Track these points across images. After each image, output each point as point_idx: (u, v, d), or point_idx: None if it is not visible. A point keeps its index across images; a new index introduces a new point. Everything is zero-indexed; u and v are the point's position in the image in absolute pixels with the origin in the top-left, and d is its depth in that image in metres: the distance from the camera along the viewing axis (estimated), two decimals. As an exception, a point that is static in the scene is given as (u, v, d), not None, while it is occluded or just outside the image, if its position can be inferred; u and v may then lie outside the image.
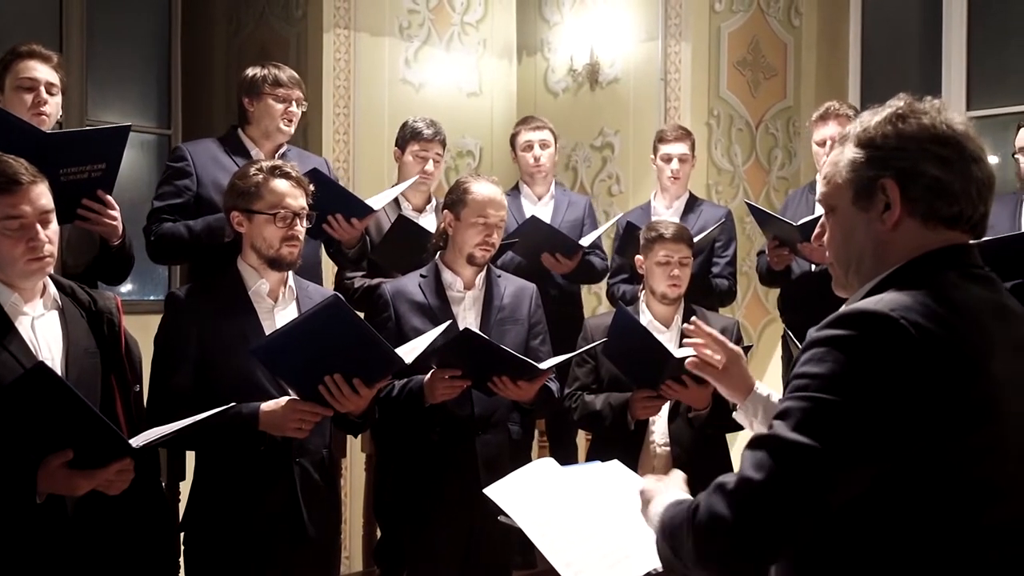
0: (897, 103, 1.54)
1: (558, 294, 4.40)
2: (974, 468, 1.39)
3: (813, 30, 5.44)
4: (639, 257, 3.68)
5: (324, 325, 2.53)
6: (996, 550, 1.40)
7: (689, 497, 1.59)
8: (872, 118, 1.55)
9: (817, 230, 1.64)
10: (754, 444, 1.41)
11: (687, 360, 2.19)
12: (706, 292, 4.18)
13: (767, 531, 1.37)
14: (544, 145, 4.51)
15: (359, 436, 3.97)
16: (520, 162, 4.58)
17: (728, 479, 1.41)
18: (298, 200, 2.82)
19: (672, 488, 1.68)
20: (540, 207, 4.49)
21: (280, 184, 2.80)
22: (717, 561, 1.42)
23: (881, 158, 1.51)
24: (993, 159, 5.12)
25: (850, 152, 1.55)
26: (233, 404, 2.50)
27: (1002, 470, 1.41)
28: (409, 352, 2.72)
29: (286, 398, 2.68)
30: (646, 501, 1.67)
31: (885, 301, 1.41)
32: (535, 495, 1.86)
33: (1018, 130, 3.91)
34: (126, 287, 5.30)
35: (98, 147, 2.92)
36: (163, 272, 5.28)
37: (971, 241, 1.54)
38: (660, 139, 4.42)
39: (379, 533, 3.82)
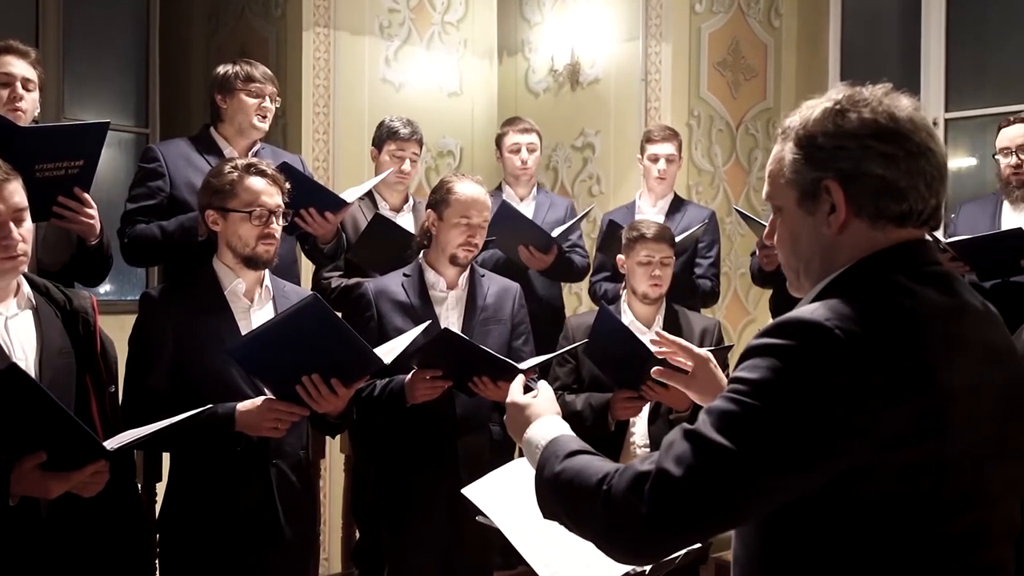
0: (836, 95, 1.46)
1: (544, 293, 4.39)
2: (922, 480, 1.33)
3: (793, 31, 5.45)
4: (621, 257, 3.68)
5: (302, 325, 2.50)
6: (955, 561, 1.37)
7: (569, 435, 1.57)
8: (811, 113, 1.46)
9: (767, 229, 1.57)
10: (681, 434, 1.37)
11: (654, 369, 2.18)
12: (689, 293, 4.18)
13: (677, 527, 1.34)
14: (531, 149, 4.52)
15: (337, 437, 3.95)
16: (506, 163, 4.57)
17: (646, 466, 1.37)
18: (274, 198, 2.79)
19: (549, 414, 1.67)
20: (522, 207, 4.48)
21: (255, 182, 2.77)
22: (623, 547, 1.40)
23: (822, 158, 1.43)
24: (971, 160, 5.16)
25: (790, 151, 1.47)
26: (209, 406, 2.47)
27: (955, 481, 1.35)
28: (388, 352, 2.70)
29: (262, 398, 2.65)
30: (522, 421, 1.67)
31: (822, 310, 1.35)
32: (513, 495, 1.85)
33: (998, 131, 3.93)
34: (105, 287, 5.25)
35: (76, 143, 2.87)
36: (142, 272, 5.23)
37: (927, 236, 1.48)
38: (647, 139, 4.42)
39: (358, 534, 3.80)
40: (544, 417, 1.66)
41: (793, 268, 1.54)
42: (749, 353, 1.37)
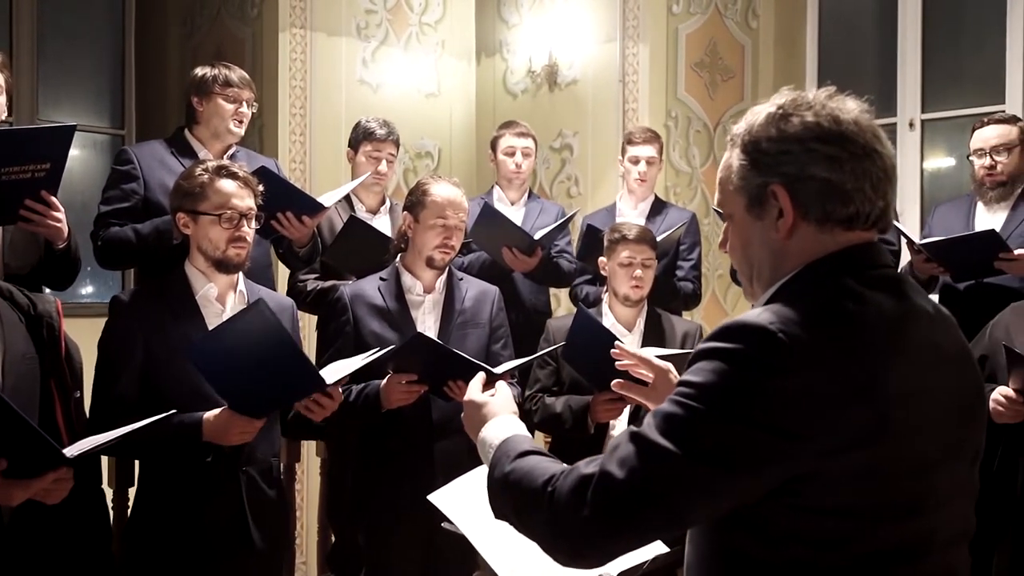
0: (780, 100, 1.45)
1: (532, 298, 4.37)
2: (867, 486, 1.31)
3: (770, 32, 5.45)
4: (602, 259, 3.67)
5: (250, 328, 2.47)
6: (905, 567, 1.35)
7: (522, 435, 1.57)
8: (755, 119, 1.46)
9: (721, 237, 1.58)
10: (627, 437, 1.37)
11: (614, 382, 2.17)
12: (671, 296, 4.17)
13: (618, 530, 1.34)
14: (526, 153, 4.48)
15: (314, 441, 3.93)
16: (500, 166, 4.52)
17: (590, 468, 1.37)
18: (245, 200, 2.76)
19: (505, 414, 1.66)
20: (512, 212, 4.46)
21: (226, 184, 2.74)
22: (565, 549, 1.39)
23: (767, 164, 1.43)
24: (948, 161, 5.17)
25: (737, 158, 1.47)
26: (174, 412, 2.44)
27: (901, 487, 1.34)
28: (333, 374, 2.68)
29: (226, 407, 2.62)
30: (478, 420, 1.67)
31: (767, 314, 1.34)
32: (479, 501, 1.83)
33: (972, 132, 3.93)
34: (85, 289, 5.22)
35: (42, 146, 2.84)
36: (122, 275, 5.19)
37: (876, 238, 1.47)
38: (628, 141, 4.40)
39: (333, 538, 3.78)
40: (499, 417, 1.66)
41: (745, 274, 1.53)
42: (697, 357, 1.37)
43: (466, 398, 1.75)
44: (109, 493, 2.96)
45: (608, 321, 3.57)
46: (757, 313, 1.35)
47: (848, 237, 1.43)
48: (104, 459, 2.97)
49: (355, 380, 3.07)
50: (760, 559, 1.36)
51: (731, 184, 1.48)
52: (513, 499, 1.46)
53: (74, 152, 5.35)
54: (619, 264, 3.57)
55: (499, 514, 1.51)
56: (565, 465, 1.43)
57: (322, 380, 2.58)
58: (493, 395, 1.73)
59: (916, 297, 1.44)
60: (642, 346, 3.41)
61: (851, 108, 1.44)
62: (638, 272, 3.55)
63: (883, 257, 1.46)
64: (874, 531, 1.33)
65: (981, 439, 1.49)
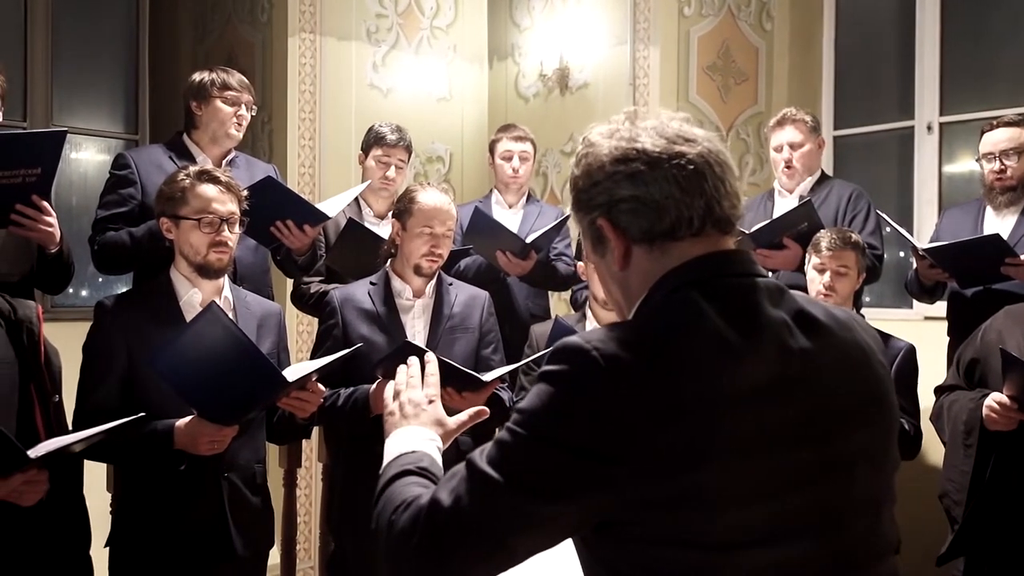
0: (582, 141, 1.46)
1: (530, 304, 4.34)
2: (700, 511, 1.24)
3: (785, 34, 5.37)
4: (580, 264, 3.64)
5: (206, 333, 2.45)
6: None
7: (419, 452, 1.53)
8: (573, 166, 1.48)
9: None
10: (464, 463, 1.34)
11: None
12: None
13: (443, 559, 1.30)
14: (524, 157, 4.46)
15: (316, 447, 3.92)
16: (497, 170, 4.52)
17: (424, 495, 1.35)
18: (226, 205, 2.76)
19: (415, 424, 1.62)
20: (510, 215, 4.44)
21: (207, 189, 2.74)
22: (397, 571, 1.36)
23: (585, 201, 1.43)
24: (966, 165, 5.07)
25: (571, 207, 1.48)
26: (143, 415, 2.43)
27: (732, 516, 1.25)
28: (294, 372, 2.66)
29: (195, 415, 2.61)
30: (391, 424, 1.65)
31: (595, 333, 1.31)
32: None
33: (981, 136, 3.85)
34: (84, 292, 5.25)
35: (33, 151, 2.84)
36: (126, 278, 5.22)
37: (729, 245, 1.41)
38: None
39: (333, 545, 3.77)
40: (408, 428, 1.62)
41: (618, 315, 1.51)
42: (534, 380, 1.35)
43: (389, 391, 1.72)
44: (107, 498, 2.97)
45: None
46: (586, 333, 1.33)
47: (687, 250, 1.38)
48: (104, 465, 2.98)
49: (338, 384, 3.08)
50: None
51: (580, 233, 1.50)
52: (378, 520, 1.43)
53: (88, 157, 5.42)
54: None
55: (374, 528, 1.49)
56: (429, 489, 1.40)
57: (284, 379, 2.55)
58: (431, 401, 1.69)
59: (767, 308, 1.35)
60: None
61: (653, 119, 1.42)
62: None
63: (735, 266, 1.40)
64: (727, 561, 1.26)
65: (887, 443, 1.42)
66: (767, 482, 1.27)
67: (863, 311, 4.14)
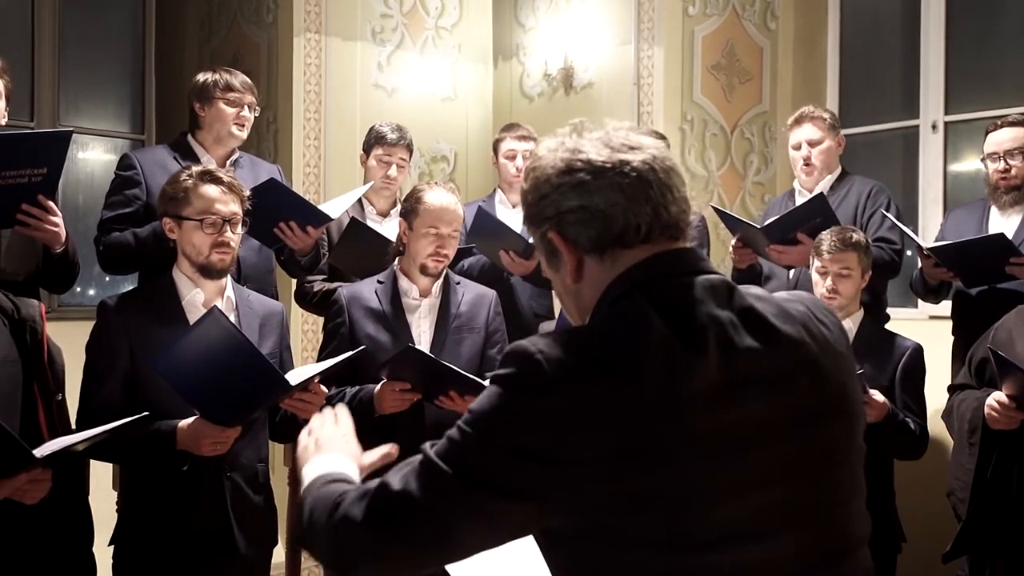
0: (531, 156, 1.47)
1: (534, 304, 4.35)
2: (654, 513, 1.24)
3: (790, 34, 5.36)
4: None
5: (209, 336, 2.47)
6: None
7: (334, 473, 1.53)
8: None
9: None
10: (420, 453, 1.37)
11: None
12: None
13: (388, 538, 1.33)
14: (527, 157, 4.45)
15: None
16: (501, 169, 4.53)
17: (371, 484, 1.37)
18: (229, 206, 2.76)
19: (329, 453, 1.62)
20: (514, 215, 4.44)
21: (209, 189, 2.75)
22: (338, 558, 1.39)
23: (535, 215, 1.43)
24: (972, 164, 5.06)
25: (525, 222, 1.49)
26: (147, 415, 2.44)
27: (703, 513, 1.25)
28: (297, 375, 2.67)
29: (197, 417, 2.62)
30: (304, 456, 1.64)
31: (539, 338, 1.32)
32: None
33: (986, 135, 3.84)
34: (92, 292, 5.27)
35: (39, 152, 2.86)
36: (132, 277, 5.24)
37: (682, 245, 1.41)
38: None
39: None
40: (324, 455, 1.61)
41: (575, 324, 1.51)
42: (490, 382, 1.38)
43: (304, 431, 1.73)
44: (113, 496, 2.99)
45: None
46: (534, 338, 1.34)
47: (636, 257, 1.38)
48: (110, 464, 3.00)
49: (345, 382, 3.09)
50: None
51: (536, 248, 1.50)
52: (309, 523, 1.44)
53: (94, 157, 5.44)
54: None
55: (313, 553, 1.50)
56: (366, 483, 1.42)
57: (286, 382, 2.57)
58: (345, 437, 1.69)
59: (712, 306, 1.34)
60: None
61: (598, 132, 1.42)
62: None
63: (679, 265, 1.39)
64: (687, 562, 1.26)
65: (852, 434, 1.40)
66: (741, 478, 1.28)
67: (888, 310, 4.12)
